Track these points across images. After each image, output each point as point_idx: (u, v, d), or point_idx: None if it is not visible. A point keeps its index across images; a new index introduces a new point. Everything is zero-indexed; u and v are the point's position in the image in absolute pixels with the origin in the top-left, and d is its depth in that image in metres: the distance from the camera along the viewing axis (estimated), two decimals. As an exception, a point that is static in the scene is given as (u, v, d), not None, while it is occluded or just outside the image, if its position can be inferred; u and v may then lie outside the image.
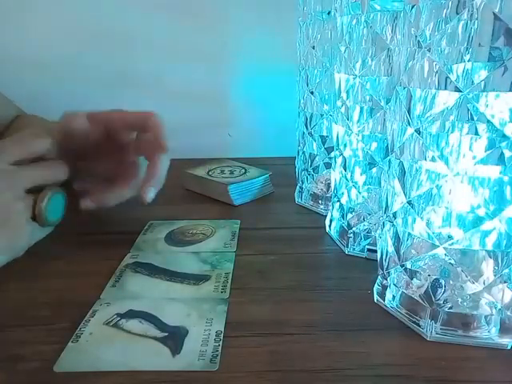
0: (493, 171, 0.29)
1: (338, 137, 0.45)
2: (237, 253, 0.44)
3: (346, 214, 0.45)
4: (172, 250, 0.45)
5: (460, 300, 0.32)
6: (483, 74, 0.27)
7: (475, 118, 0.28)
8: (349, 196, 0.44)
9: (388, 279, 0.35)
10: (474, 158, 0.28)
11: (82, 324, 0.33)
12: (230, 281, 0.39)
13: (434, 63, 0.29)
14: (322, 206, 0.54)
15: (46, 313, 0.35)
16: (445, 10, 0.27)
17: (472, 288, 0.31)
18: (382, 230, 0.36)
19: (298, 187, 0.58)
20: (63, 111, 0.47)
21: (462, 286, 0.31)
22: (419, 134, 0.30)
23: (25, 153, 0.41)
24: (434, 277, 0.32)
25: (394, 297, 0.35)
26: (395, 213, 0.34)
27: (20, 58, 0.73)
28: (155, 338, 0.32)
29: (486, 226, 0.30)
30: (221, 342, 0.31)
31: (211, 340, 0.32)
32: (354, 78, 0.40)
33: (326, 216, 0.51)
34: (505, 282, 0.30)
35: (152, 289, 0.38)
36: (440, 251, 0.31)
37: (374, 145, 0.41)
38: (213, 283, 0.39)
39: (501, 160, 0.28)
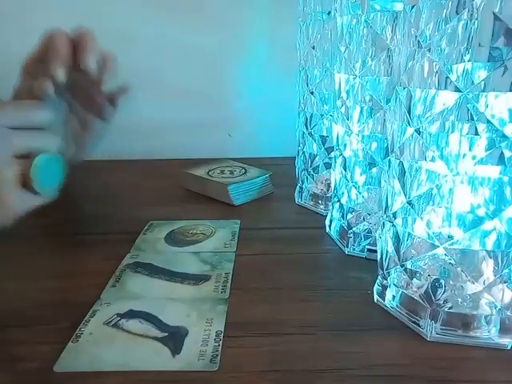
0: (493, 171, 0.29)
1: (338, 137, 0.45)
2: (237, 253, 0.44)
3: (346, 214, 0.45)
4: (172, 250, 0.45)
5: (460, 300, 0.32)
6: (483, 74, 0.27)
7: (475, 118, 0.28)
8: (349, 196, 0.44)
9: (388, 279, 0.35)
10: (474, 158, 0.28)
11: (82, 324, 0.33)
12: (229, 281, 0.39)
13: (434, 63, 0.29)
14: (322, 206, 0.54)
15: (46, 313, 0.35)
16: (445, 10, 0.27)
17: (472, 288, 0.31)
18: (381, 230, 0.36)
19: (297, 187, 0.58)
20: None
21: (462, 285, 0.31)
22: (419, 134, 0.30)
23: (23, 120, 0.38)
24: (434, 277, 0.32)
25: (394, 297, 0.35)
26: (395, 213, 0.34)
27: (21, 58, 0.73)
28: (155, 338, 0.32)
29: (486, 225, 0.30)
30: (221, 342, 0.31)
31: (211, 340, 0.32)
32: (353, 78, 0.40)
33: (325, 216, 0.51)
34: (505, 282, 0.30)
35: (152, 289, 0.38)
36: (440, 251, 0.31)
37: (374, 145, 0.41)
38: (213, 283, 0.39)
39: (501, 160, 0.28)
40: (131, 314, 0.35)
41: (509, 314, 0.31)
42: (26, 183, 0.37)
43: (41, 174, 0.37)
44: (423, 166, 0.31)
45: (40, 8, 0.72)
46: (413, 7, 0.29)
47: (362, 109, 0.41)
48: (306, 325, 0.34)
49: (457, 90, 0.28)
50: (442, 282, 0.32)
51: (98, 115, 0.45)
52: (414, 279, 0.33)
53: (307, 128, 0.55)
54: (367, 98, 0.40)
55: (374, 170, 0.42)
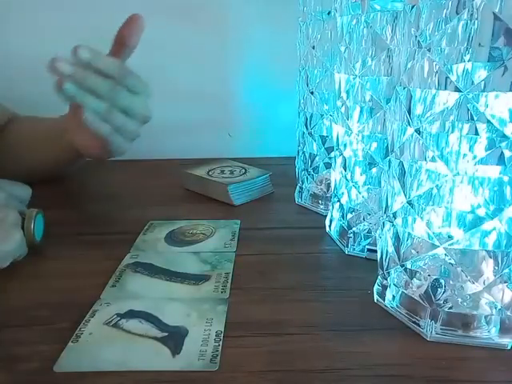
0: (493, 171, 0.29)
1: (338, 137, 0.45)
2: (237, 253, 0.44)
3: (346, 214, 0.45)
4: (172, 249, 0.45)
5: (460, 300, 0.32)
6: (483, 73, 0.27)
7: (475, 118, 0.28)
8: (349, 196, 0.44)
9: (388, 279, 0.35)
10: (474, 158, 0.29)
11: (82, 324, 0.33)
12: (229, 281, 0.39)
13: (434, 63, 0.29)
14: (321, 206, 0.54)
15: (46, 313, 0.35)
16: (445, 10, 0.27)
17: (472, 288, 0.31)
18: (381, 230, 0.36)
19: (297, 187, 0.58)
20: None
21: (462, 286, 0.31)
22: (419, 134, 0.30)
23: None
24: (434, 277, 0.32)
25: (393, 297, 0.35)
26: (395, 213, 0.34)
27: (20, 59, 0.73)
28: (155, 338, 0.32)
29: (486, 225, 0.30)
30: (221, 342, 0.31)
31: (211, 340, 0.32)
32: (353, 78, 0.40)
33: (326, 216, 0.51)
34: (505, 282, 0.30)
35: (152, 289, 0.38)
36: (440, 251, 0.31)
37: (374, 145, 0.41)
38: (213, 283, 0.39)
39: (501, 160, 0.28)
40: (131, 314, 0.35)
41: (509, 313, 0.31)
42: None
43: (36, 227, 0.43)
44: (423, 166, 0.31)
45: (41, 8, 0.72)
46: (413, 7, 0.29)
47: (362, 109, 0.41)
48: (305, 325, 0.34)
49: (457, 90, 0.28)
50: (442, 281, 0.32)
51: None
52: (414, 279, 0.33)
53: (307, 128, 0.55)
54: (367, 98, 0.40)
55: (374, 170, 0.42)
